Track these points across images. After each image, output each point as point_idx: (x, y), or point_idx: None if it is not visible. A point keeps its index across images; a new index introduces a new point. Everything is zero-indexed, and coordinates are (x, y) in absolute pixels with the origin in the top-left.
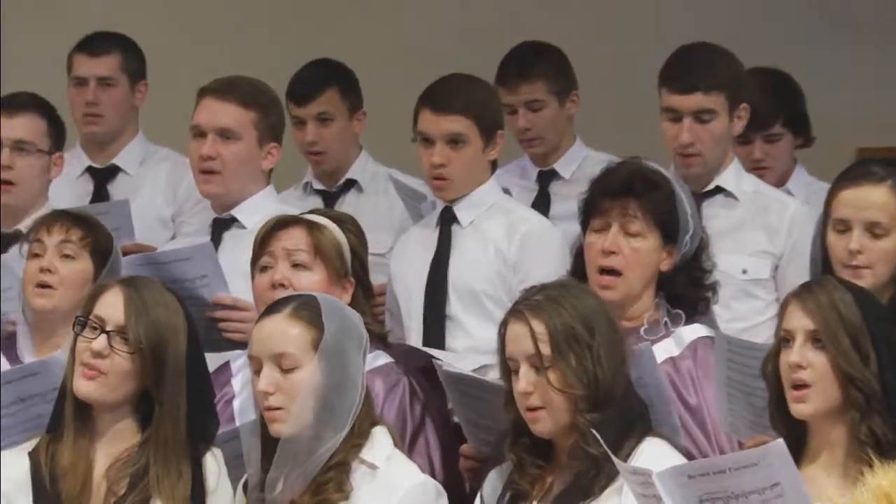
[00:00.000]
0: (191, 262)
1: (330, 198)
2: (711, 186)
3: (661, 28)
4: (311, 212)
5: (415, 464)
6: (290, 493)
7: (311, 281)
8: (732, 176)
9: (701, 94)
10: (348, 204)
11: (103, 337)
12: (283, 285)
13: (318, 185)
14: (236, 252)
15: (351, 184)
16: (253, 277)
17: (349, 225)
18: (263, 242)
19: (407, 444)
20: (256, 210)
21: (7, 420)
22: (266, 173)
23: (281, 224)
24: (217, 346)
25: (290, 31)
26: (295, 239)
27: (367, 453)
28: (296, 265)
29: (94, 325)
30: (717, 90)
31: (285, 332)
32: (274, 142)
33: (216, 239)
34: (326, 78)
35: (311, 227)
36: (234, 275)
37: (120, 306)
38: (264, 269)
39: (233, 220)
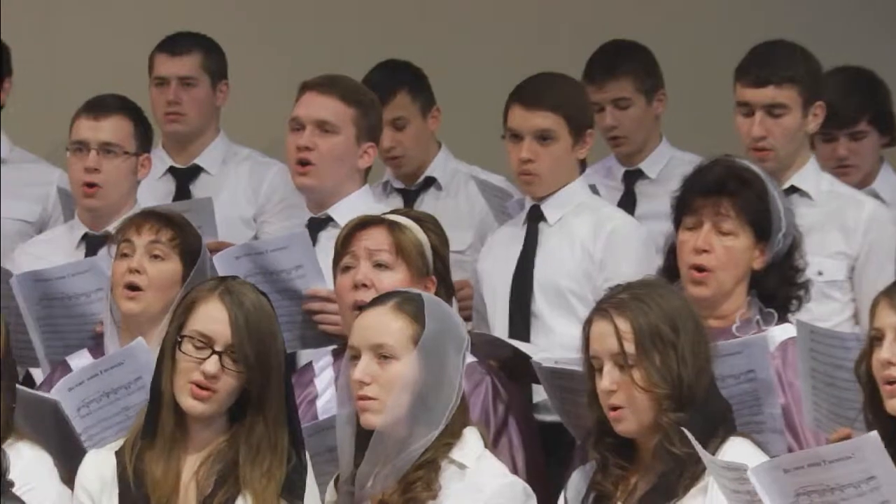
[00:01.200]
0: (287, 252)
1: (409, 196)
2: (787, 186)
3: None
4: (393, 212)
5: (504, 465)
6: (380, 488)
7: (393, 280)
8: (809, 175)
9: (773, 87)
10: (428, 202)
11: (215, 358)
12: (365, 285)
13: (397, 185)
14: (332, 252)
15: (430, 182)
16: (335, 277)
17: (430, 224)
18: (345, 243)
19: (490, 443)
20: (352, 210)
21: (93, 417)
22: (362, 173)
23: (362, 224)
24: (312, 342)
25: (362, 29)
26: (377, 239)
27: (456, 453)
28: (378, 265)
29: (201, 343)
30: (790, 85)
31: (387, 323)
32: (371, 142)
33: (312, 239)
34: (395, 81)
35: (393, 226)
36: (329, 275)
37: (225, 323)
38: (346, 269)
39: (328, 220)
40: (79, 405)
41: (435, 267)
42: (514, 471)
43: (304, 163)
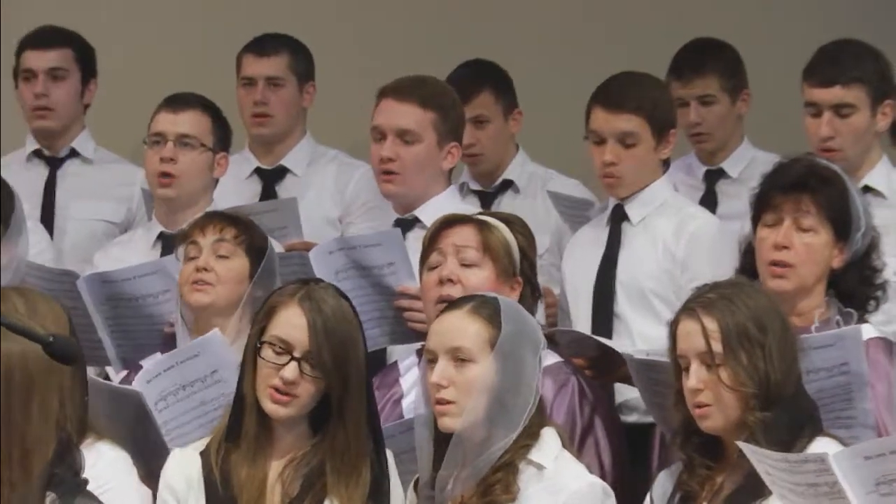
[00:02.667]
0: (379, 249)
1: (486, 198)
2: (860, 185)
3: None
4: (481, 213)
5: (582, 464)
6: (459, 491)
7: (479, 278)
8: (881, 174)
9: (840, 87)
10: (505, 205)
11: (294, 365)
12: (451, 281)
13: (474, 186)
14: (419, 253)
15: (508, 184)
16: (421, 275)
17: (518, 226)
18: (433, 240)
19: (576, 444)
20: (438, 210)
21: (171, 410)
22: (447, 173)
23: (450, 222)
24: (401, 338)
25: (447, 31)
26: (464, 236)
27: (535, 454)
28: (465, 264)
29: (280, 349)
30: (858, 84)
31: (464, 327)
32: (454, 142)
33: None
34: (480, 79)
35: (481, 225)
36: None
37: (303, 329)
38: (433, 267)
39: (415, 221)
40: (157, 398)
41: (521, 268)
42: (601, 470)
43: (388, 172)
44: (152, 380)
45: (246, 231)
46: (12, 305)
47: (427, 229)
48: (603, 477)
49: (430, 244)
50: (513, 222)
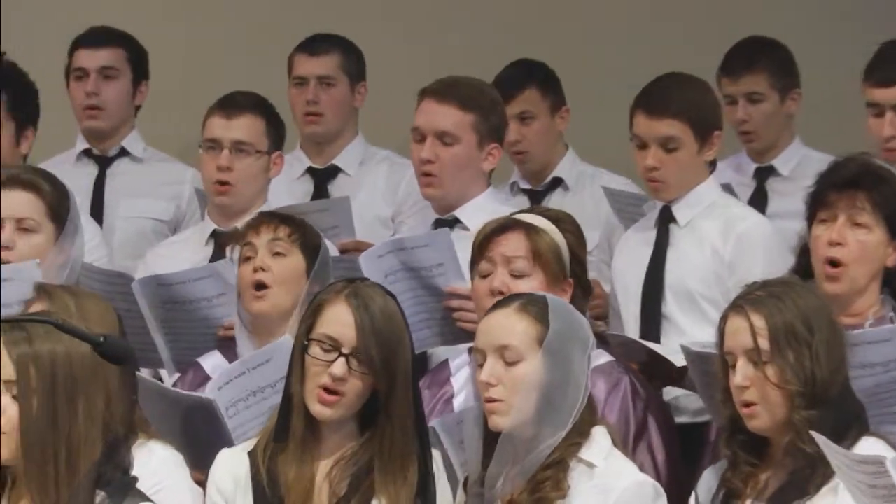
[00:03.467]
0: (429, 250)
1: (536, 196)
2: None
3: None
4: (530, 210)
5: (633, 463)
6: (509, 489)
7: (529, 287)
8: None
9: None
10: (554, 203)
11: (342, 361)
12: (502, 293)
13: (524, 185)
14: (461, 252)
15: (557, 182)
16: (472, 278)
17: (567, 224)
18: (483, 246)
19: (630, 444)
20: (478, 211)
21: (240, 417)
22: (487, 174)
23: (499, 229)
24: (452, 339)
25: (497, 30)
26: (513, 244)
27: (585, 452)
28: (514, 274)
29: (328, 346)
30: None
31: (511, 325)
32: (495, 142)
33: None
34: (526, 77)
35: (530, 230)
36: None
37: (351, 326)
38: (484, 275)
39: (455, 221)
40: (227, 405)
41: (572, 268)
42: (654, 470)
43: (427, 174)
44: (223, 387)
45: (299, 229)
46: (63, 305)
47: (476, 233)
48: (656, 476)
49: (480, 251)
50: (562, 220)
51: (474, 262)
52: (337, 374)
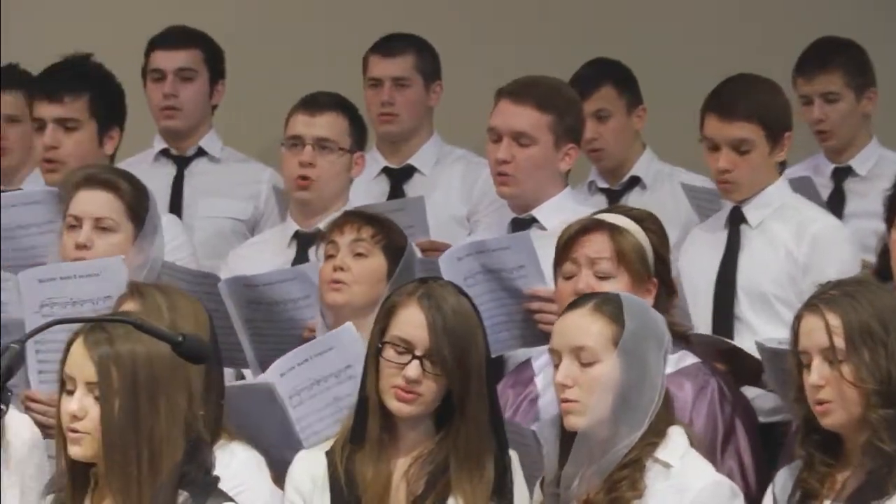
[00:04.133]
0: (509, 252)
1: (613, 196)
2: None
3: None
4: (612, 209)
5: (710, 463)
6: (585, 489)
7: (613, 289)
8: None
9: None
10: (632, 202)
11: (416, 363)
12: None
13: (602, 184)
14: (539, 251)
15: (635, 181)
16: (555, 279)
17: (650, 224)
18: (567, 247)
19: (719, 446)
20: (555, 211)
21: (305, 407)
22: (564, 174)
23: (583, 230)
24: (532, 341)
25: (573, 30)
26: (598, 246)
27: (661, 452)
28: (599, 275)
29: (401, 349)
30: None
31: (586, 326)
32: (572, 143)
33: None
34: (603, 75)
35: (613, 231)
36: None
37: (424, 328)
38: (568, 276)
39: (532, 221)
40: (291, 393)
41: (656, 268)
42: (742, 472)
43: (503, 173)
44: (286, 373)
45: (384, 230)
46: (155, 304)
47: (560, 234)
48: (744, 479)
49: (564, 252)
50: (645, 220)
51: (558, 264)
52: (411, 377)
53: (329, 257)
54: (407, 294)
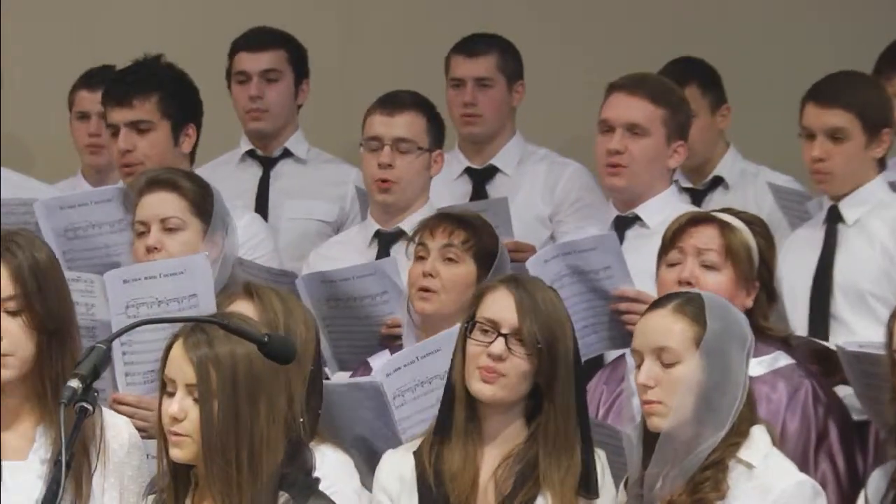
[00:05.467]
0: (596, 253)
1: (697, 195)
2: None
3: None
4: (723, 211)
5: (792, 462)
6: (669, 490)
7: (717, 281)
8: None
9: None
10: (715, 202)
11: (501, 340)
12: (689, 283)
13: (685, 183)
14: (639, 251)
15: (718, 181)
16: (658, 269)
17: (758, 227)
18: (675, 237)
19: (812, 448)
20: (660, 209)
21: (407, 408)
22: (671, 172)
23: (694, 221)
24: (620, 342)
25: (657, 28)
26: (707, 237)
27: (744, 452)
28: (705, 265)
29: (487, 328)
30: None
31: (668, 326)
32: (681, 140)
33: (619, 237)
34: (686, 75)
35: (724, 227)
36: (636, 274)
37: (511, 308)
38: (672, 264)
39: (636, 219)
40: (394, 394)
41: (759, 271)
42: (835, 474)
43: (614, 165)
44: (392, 374)
45: (476, 235)
46: (271, 306)
47: (659, 229)
48: (837, 481)
49: (672, 241)
50: (753, 223)
51: (663, 252)
52: (496, 353)
53: (419, 259)
54: (497, 281)
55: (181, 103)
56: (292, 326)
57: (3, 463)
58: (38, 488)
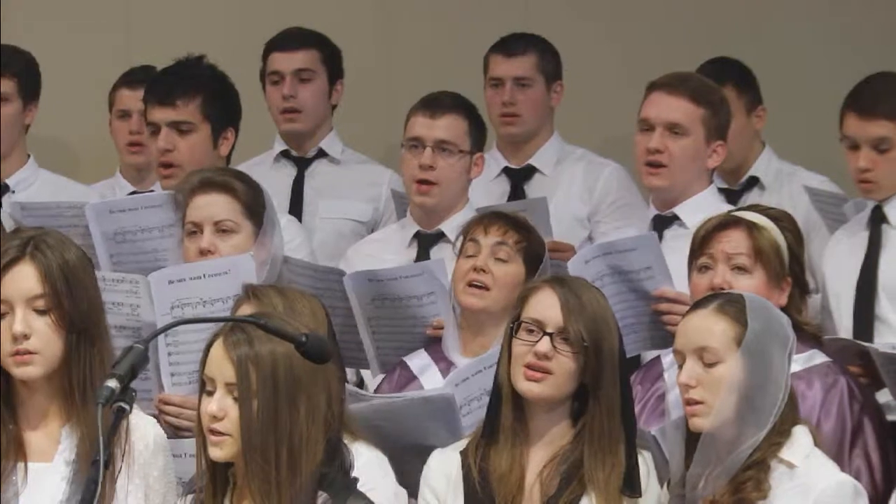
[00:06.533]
0: (636, 254)
1: (732, 196)
2: None
3: None
4: (749, 208)
5: (833, 463)
6: (711, 490)
7: (749, 284)
8: None
9: None
10: (751, 202)
11: (546, 339)
12: (722, 289)
13: (721, 184)
14: (678, 251)
15: (754, 182)
16: (690, 273)
17: (786, 223)
18: (704, 242)
19: (847, 445)
20: (699, 209)
21: (473, 416)
22: (710, 172)
23: (721, 225)
24: (660, 342)
25: (695, 29)
26: (735, 242)
27: (785, 452)
28: (736, 268)
29: (533, 328)
30: None
31: (710, 327)
32: (720, 140)
33: (657, 237)
34: (722, 76)
35: (752, 228)
36: (674, 273)
37: (556, 307)
38: (703, 269)
39: (674, 219)
40: (462, 402)
41: (791, 267)
42: (870, 472)
43: (654, 164)
44: (461, 383)
45: (526, 237)
46: (270, 303)
47: (696, 229)
48: (871, 479)
49: (701, 247)
50: (781, 219)
51: (693, 258)
52: (541, 351)
53: (469, 256)
54: (541, 281)
55: (223, 106)
56: (295, 321)
57: (28, 465)
58: (62, 490)
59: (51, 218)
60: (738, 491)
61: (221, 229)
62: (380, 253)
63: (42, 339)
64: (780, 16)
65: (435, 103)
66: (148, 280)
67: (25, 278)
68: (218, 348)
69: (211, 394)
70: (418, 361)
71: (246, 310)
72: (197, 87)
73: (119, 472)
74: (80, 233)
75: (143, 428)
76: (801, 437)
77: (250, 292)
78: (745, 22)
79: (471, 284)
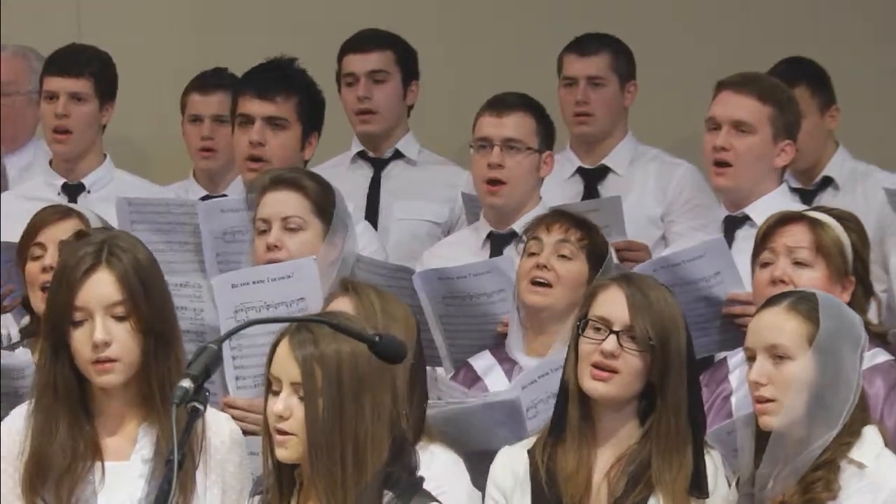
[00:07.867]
0: (704, 260)
1: (806, 196)
2: None
3: None
4: (814, 209)
5: None
6: (780, 489)
7: (811, 278)
8: None
9: None
10: (825, 202)
11: (613, 338)
12: (783, 282)
13: (794, 184)
14: (750, 252)
15: (828, 182)
16: (753, 270)
17: (851, 223)
18: (765, 238)
19: None
20: (770, 209)
21: (539, 419)
22: (779, 171)
23: (784, 220)
24: (730, 345)
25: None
26: (797, 236)
27: (855, 452)
28: (797, 263)
29: (599, 326)
30: None
31: (781, 324)
32: (789, 139)
33: (728, 237)
34: (796, 76)
35: (814, 224)
36: (746, 274)
37: (623, 306)
38: (765, 264)
39: (745, 219)
40: (528, 405)
41: (854, 267)
42: None
43: (720, 164)
44: (528, 386)
45: (589, 235)
46: (369, 303)
47: (760, 225)
48: None
49: (763, 241)
50: (846, 219)
51: (756, 254)
52: (608, 350)
53: (531, 254)
54: (608, 279)
55: (314, 110)
56: (390, 326)
57: (106, 464)
58: (140, 488)
59: (159, 215)
60: (808, 491)
61: (289, 226)
62: (454, 255)
63: (122, 345)
64: (855, 15)
65: (501, 103)
66: (211, 284)
67: (104, 285)
68: (283, 348)
69: (277, 394)
70: (482, 362)
71: (342, 303)
72: (295, 86)
73: (196, 468)
74: (189, 231)
75: (219, 424)
76: (871, 437)
77: (349, 286)
78: (819, 21)
79: (534, 282)
